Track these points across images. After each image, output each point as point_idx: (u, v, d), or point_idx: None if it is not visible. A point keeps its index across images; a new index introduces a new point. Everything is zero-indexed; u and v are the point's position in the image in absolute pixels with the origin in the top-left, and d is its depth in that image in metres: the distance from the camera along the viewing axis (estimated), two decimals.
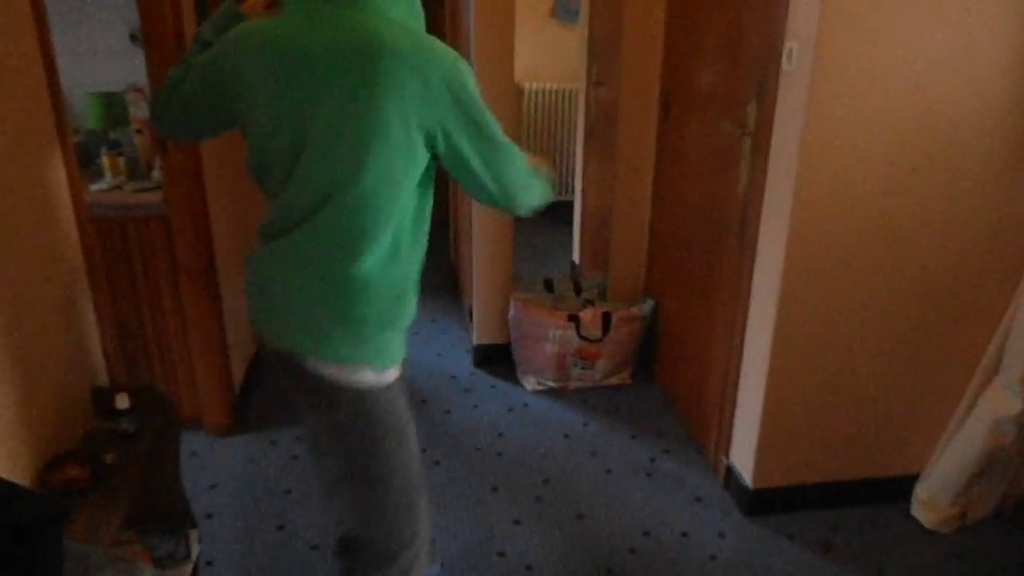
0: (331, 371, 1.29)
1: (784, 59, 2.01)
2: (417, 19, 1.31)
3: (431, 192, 1.38)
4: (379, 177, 1.22)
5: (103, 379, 1.69)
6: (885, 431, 2.33)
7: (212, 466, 2.54)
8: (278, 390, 2.98)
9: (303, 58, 1.20)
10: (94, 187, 2.48)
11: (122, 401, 1.48)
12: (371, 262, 1.26)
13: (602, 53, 3.39)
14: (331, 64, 1.19)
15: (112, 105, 2.72)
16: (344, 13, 1.21)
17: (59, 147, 1.67)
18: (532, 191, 1.43)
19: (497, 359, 3.22)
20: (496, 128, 1.30)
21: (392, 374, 1.38)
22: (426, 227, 1.39)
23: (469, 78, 1.24)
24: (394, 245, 1.29)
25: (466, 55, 2.97)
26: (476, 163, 1.29)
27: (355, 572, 1.49)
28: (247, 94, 1.26)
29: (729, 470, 2.45)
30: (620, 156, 3.07)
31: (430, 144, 1.25)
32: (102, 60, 2.79)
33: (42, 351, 1.42)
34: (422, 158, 1.27)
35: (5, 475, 1.17)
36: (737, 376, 2.37)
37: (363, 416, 1.34)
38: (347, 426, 1.35)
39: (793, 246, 2.05)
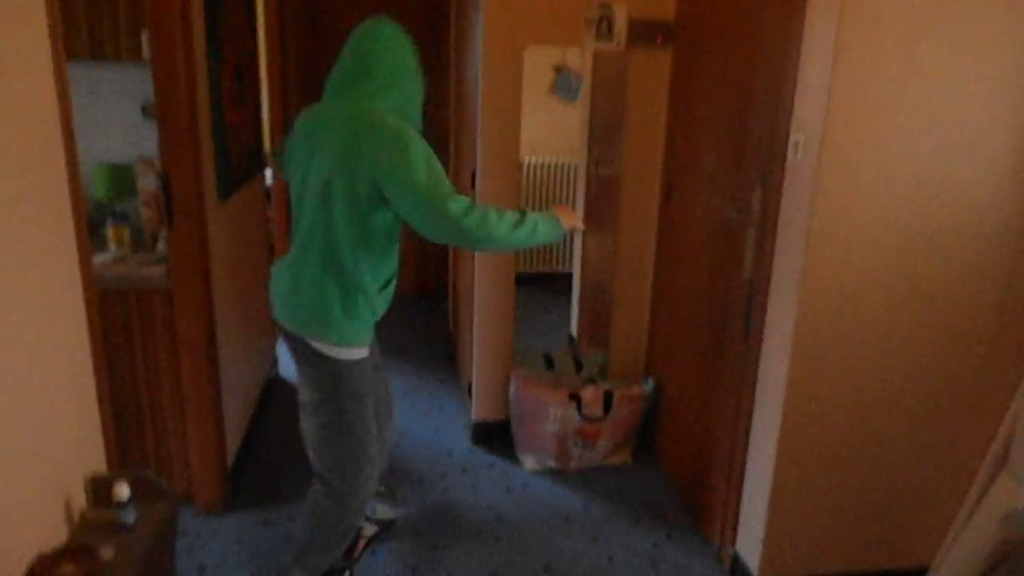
0: (316, 344, 1.92)
1: (790, 151, 2.05)
2: (408, 109, 1.91)
3: (393, 242, 1.96)
4: (344, 218, 1.81)
5: (100, 463, 1.64)
6: (896, 521, 2.29)
7: (202, 546, 2.45)
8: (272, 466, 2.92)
9: (316, 125, 1.91)
10: (98, 259, 2.47)
11: (121, 491, 1.43)
12: (329, 278, 1.88)
13: (603, 132, 3.45)
14: (330, 130, 1.84)
15: (120, 177, 2.73)
16: (352, 100, 1.85)
17: (72, 221, 1.66)
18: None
19: (496, 436, 3.17)
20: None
21: (355, 352, 1.95)
22: (385, 262, 1.96)
23: (410, 153, 1.76)
24: (343, 267, 1.87)
25: (472, 131, 3.03)
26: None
27: (325, 494, 2.07)
28: (293, 148, 1.99)
29: (735, 560, 2.39)
30: (621, 234, 3.09)
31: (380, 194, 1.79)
32: (111, 131, 2.82)
33: (38, 434, 1.38)
34: (380, 207, 1.82)
35: None
36: (743, 463, 2.33)
37: (329, 376, 1.95)
38: (319, 382, 1.97)
39: (801, 334, 2.05)
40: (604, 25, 2.84)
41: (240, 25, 2.98)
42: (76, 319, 1.59)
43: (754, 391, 2.27)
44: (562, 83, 4.92)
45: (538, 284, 5.20)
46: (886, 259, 2.02)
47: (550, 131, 4.99)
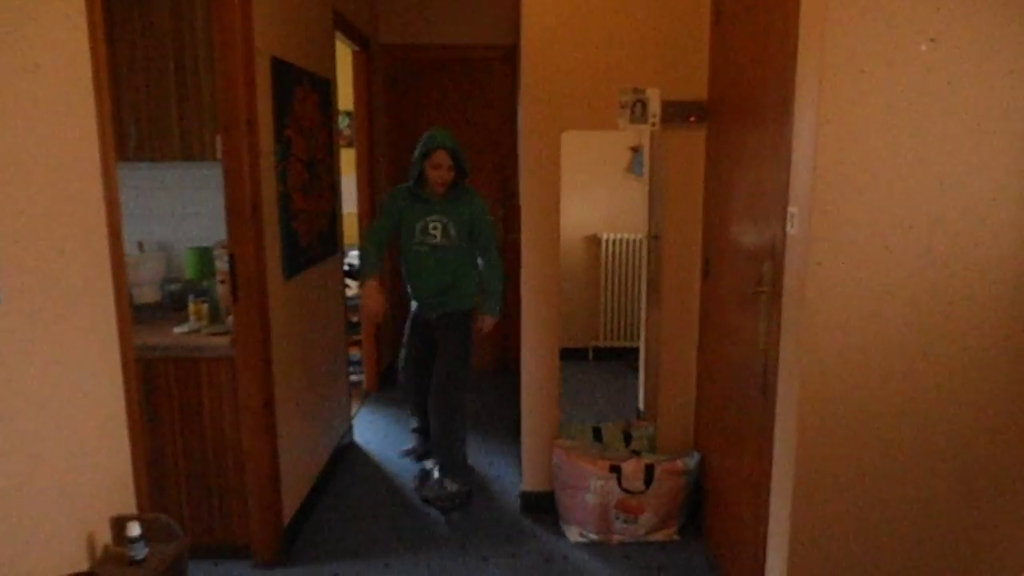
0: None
1: (788, 223, 2.07)
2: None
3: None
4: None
5: (131, 507, 1.88)
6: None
7: None
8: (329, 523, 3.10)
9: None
10: (178, 329, 2.82)
11: (132, 530, 1.65)
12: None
13: (657, 208, 3.53)
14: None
15: (205, 258, 3.12)
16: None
17: (114, 300, 1.90)
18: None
19: (543, 507, 3.21)
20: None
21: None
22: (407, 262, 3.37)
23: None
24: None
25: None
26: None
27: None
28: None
29: None
30: (664, 307, 3.13)
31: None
32: (202, 220, 3.24)
33: (66, 480, 1.62)
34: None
35: None
36: (765, 540, 2.26)
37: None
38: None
39: (804, 411, 2.01)
40: (638, 108, 2.97)
41: (313, 123, 3.36)
42: (113, 384, 1.85)
43: (771, 464, 2.22)
44: (638, 161, 5.05)
45: (619, 358, 5.22)
46: (892, 332, 1.96)
47: (626, 208, 5.11)
